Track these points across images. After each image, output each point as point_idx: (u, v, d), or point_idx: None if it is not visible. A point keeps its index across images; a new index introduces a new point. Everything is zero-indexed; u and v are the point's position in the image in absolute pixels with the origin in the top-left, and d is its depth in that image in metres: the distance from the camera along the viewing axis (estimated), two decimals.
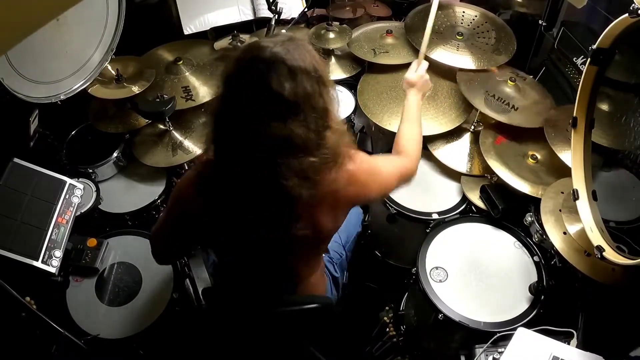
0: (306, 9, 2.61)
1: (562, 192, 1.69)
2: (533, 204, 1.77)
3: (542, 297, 1.62)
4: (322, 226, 1.25)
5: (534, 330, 1.44)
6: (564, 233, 1.57)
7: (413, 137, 1.54)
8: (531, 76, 2.23)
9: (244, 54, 1.07)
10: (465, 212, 1.98)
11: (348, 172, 1.20)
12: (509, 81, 2.07)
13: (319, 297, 1.51)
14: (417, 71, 1.74)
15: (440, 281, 1.71)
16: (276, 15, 2.09)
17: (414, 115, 1.60)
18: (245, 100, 1.03)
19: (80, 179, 1.94)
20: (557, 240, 1.57)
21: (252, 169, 1.08)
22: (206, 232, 1.32)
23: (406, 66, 2.32)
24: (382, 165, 1.36)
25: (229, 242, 1.33)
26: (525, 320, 1.58)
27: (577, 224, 1.56)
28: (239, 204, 1.18)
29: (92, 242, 1.85)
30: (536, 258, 1.73)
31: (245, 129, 1.05)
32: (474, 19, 2.37)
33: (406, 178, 1.46)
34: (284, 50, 1.03)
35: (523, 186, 1.81)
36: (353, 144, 1.27)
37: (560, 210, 1.62)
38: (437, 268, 1.74)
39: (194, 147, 2.14)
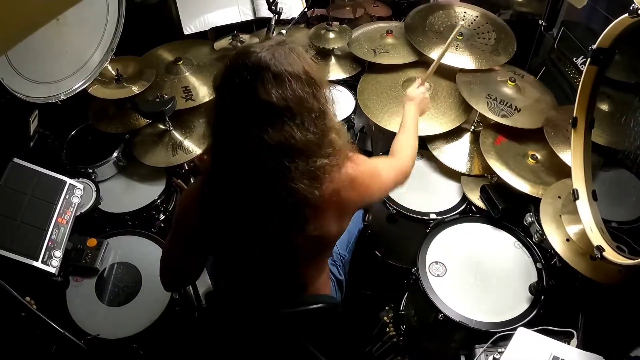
0: (306, 9, 2.62)
1: (560, 197, 1.69)
2: (533, 204, 1.77)
3: (542, 297, 1.62)
4: (329, 230, 1.24)
5: (534, 330, 1.44)
6: (567, 240, 1.57)
7: (409, 143, 1.58)
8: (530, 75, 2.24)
9: (231, 61, 1.08)
10: (465, 212, 1.99)
11: (349, 175, 1.20)
12: (508, 81, 2.07)
13: (324, 297, 1.51)
14: (419, 88, 1.77)
15: (439, 275, 1.71)
16: (276, 15, 2.10)
17: (410, 126, 1.63)
18: (236, 112, 1.04)
19: (80, 179, 1.94)
20: (559, 247, 1.56)
21: (257, 176, 1.07)
22: (214, 248, 1.33)
23: (406, 65, 2.35)
24: (381, 168, 1.36)
25: (237, 253, 1.31)
26: (525, 320, 1.58)
27: (577, 227, 1.56)
28: (245, 215, 1.16)
29: (92, 242, 1.84)
30: (539, 265, 1.72)
31: (242, 139, 1.05)
32: (475, 20, 2.37)
33: (402, 179, 1.48)
34: (269, 55, 1.04)
35: (523, 186, 1.81)
36: (352, 145, 1.27)
37: (560, 216, 1.62)
38: (436, 262, 1.75)
39: (194, 147, 2.14)
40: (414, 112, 1.68)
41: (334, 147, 1.14)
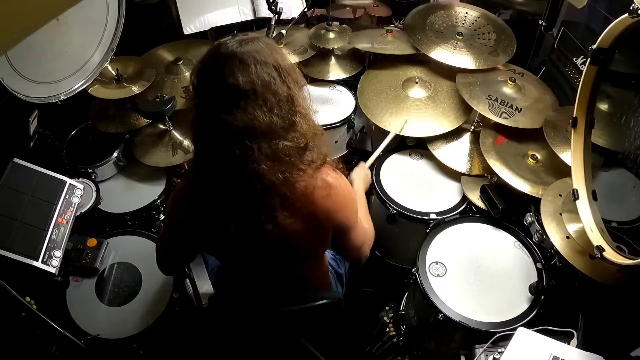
0: (306, 9, 2.62)
1: (560, 195, 1.69)
2: (533, 204, 1.77)
3: (542, 297, 1.62)
4: (304, 232, 1.22)
5: (534, 330, 1.44)
6: (567, 237, 1.57)
7: (368, 219, 1.55)
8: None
9: (205, 55, 1.16)
10: (465, 212, 1.98)
11: (327, 181, 1.21)
12: (509, 81, 2.07)
13: (328, 292, 1.51)
14: (366, 170, 1.81)
15: (439, 275, 1.71)
16: (276, 15, 2.09)
17: (364, 201, 1.61)
18: (207, 96, 1.11)
19: (80, 179, 1.94)
20: (560, 244, 1.57)
21: (225, 158, 1.11)
22: (203, 237, 1.34)
23: (406, 64, 2.36)
24: (356, 206, 1.35)
25: (224, 242, 1.33)
26: (525, 320, 1.58)
27: (577, 225, 1.56)
28: (221, 198, 1.19)
29: (92, 242, 1.85)
30: (539, 265, 1.72)
31: (211, 121, 1.11)
32: (476, 20, 2.37)
33: (368, 246, 1.48)
34: (237, 44, 1.11)
35: (523, 186, 1.81)
36: (336, 158, 1.29)
37: (560, 214, 1.62)
38: (436, 263, 1.75)
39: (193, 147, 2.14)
40: (362, 191, 1.68)
41: (302, 133, 1.17)
